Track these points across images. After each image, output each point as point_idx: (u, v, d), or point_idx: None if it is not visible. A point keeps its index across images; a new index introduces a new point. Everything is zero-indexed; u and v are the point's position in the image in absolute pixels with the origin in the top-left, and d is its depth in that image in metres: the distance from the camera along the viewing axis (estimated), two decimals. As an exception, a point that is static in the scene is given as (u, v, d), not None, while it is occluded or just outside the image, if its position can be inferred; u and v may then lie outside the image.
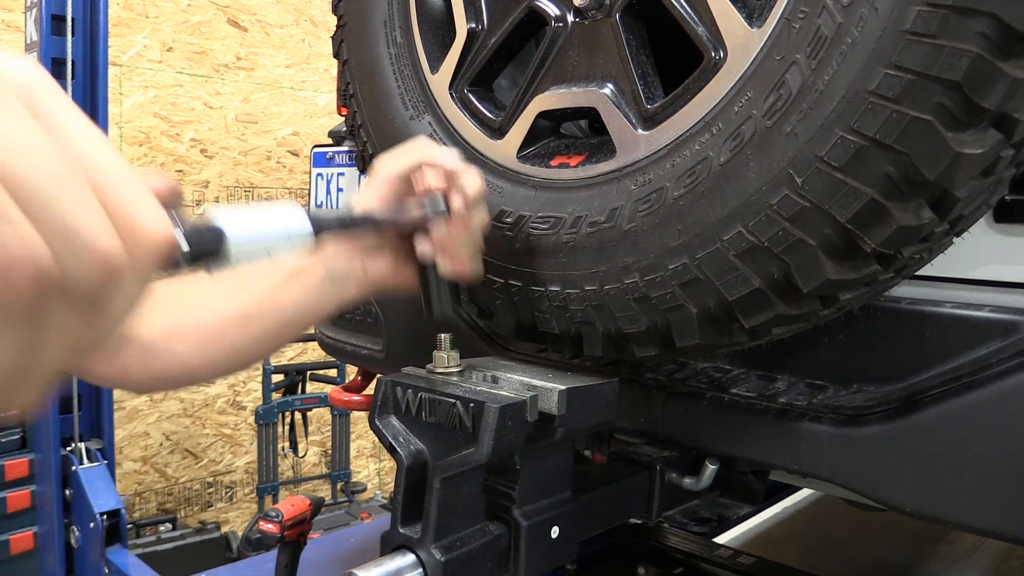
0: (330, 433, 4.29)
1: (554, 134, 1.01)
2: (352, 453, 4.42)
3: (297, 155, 4.35)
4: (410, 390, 0.90)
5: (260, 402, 3.94)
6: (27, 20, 2.77)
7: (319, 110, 4.43)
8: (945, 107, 0.64)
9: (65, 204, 0.38)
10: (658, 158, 0.84)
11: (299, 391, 3.98)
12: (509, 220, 0.96)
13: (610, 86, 0.90)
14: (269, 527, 1.80)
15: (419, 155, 0.90)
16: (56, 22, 2.63)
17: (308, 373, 4.02)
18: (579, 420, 0.90)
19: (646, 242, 0.83)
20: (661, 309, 0.83)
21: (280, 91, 4.28)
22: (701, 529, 2.31)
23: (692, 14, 0.81)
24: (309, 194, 1.95)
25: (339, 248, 0.93)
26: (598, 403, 0.93)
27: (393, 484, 1.04)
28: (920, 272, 0.83)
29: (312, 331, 1.85)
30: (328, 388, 3.86)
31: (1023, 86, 0.63)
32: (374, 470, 4.84)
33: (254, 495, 4.07)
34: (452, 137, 1.06)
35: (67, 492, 2.67)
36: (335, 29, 1.23)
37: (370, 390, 1.85)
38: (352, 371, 2.00)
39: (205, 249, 0.54)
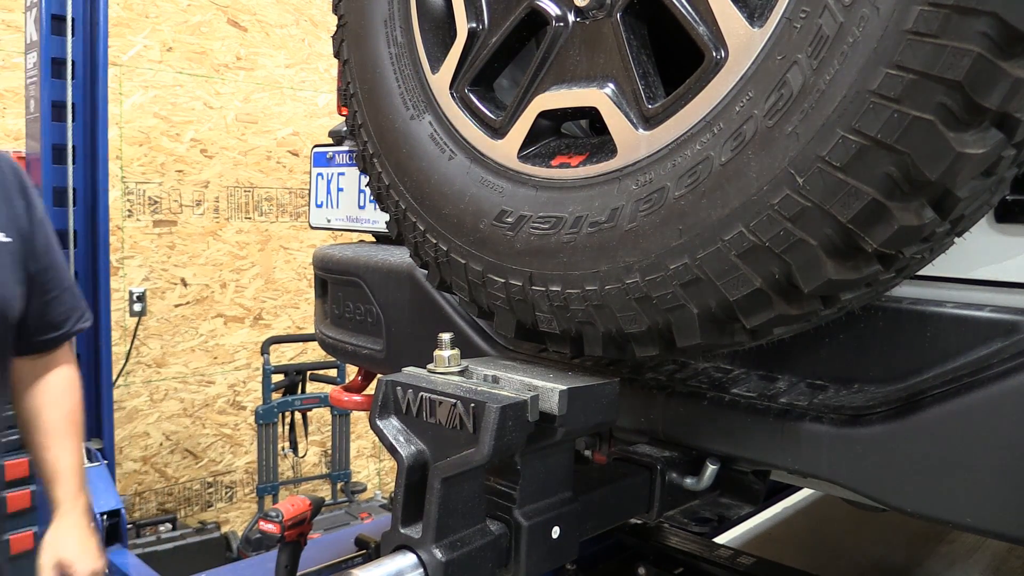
0: (330, 433, 4.29)
1: (555, 134, 1.01)
2: (352, 453, 4.41)
3: (297, 155, 4.35)
4: (410, 390, 0.90)
5: (260, 402, 3.94)
6: (27, 20, 2.77)
7: (319, 110, 4.43)
8: (947, 107, 0.63)
9: None
10: (659, 158, 0.83)
11: (299, 391, 3.97)
12: (510, 220, 0.96)
13: (611, 86, 0.90)
14: (269, 527, 1.81)
15: None
16: (56, 22, 2.63)
17: (308, 373, 4.02)
18: (580, 420, 0.90)
19: (647, 242, 0.82)
20: (662, 309, 0.82)
21: (280, 91, 4.28)
22: (701, 529, 2.31)
23: (693, 14, 0.81)
24: (309, 194, 1.95)
25: None
26: (599, 403, 0.93)
27: (393, 484, 1.04)
28: (921, 272, 0.83)
29: (312, 330, 1.85)
30: (328, 388, 3.85)
31: (1025, 86, 0.63)
32: (374, 470, 4.84)
33: (254, 495, 4.07)
34: (452, 137, 1.05)
35: (67, 492, 2.66)
36: (335, 29, 1.23)
37: (370, 390, 1.85)
38: (352, 371, 2.00)
39: None
